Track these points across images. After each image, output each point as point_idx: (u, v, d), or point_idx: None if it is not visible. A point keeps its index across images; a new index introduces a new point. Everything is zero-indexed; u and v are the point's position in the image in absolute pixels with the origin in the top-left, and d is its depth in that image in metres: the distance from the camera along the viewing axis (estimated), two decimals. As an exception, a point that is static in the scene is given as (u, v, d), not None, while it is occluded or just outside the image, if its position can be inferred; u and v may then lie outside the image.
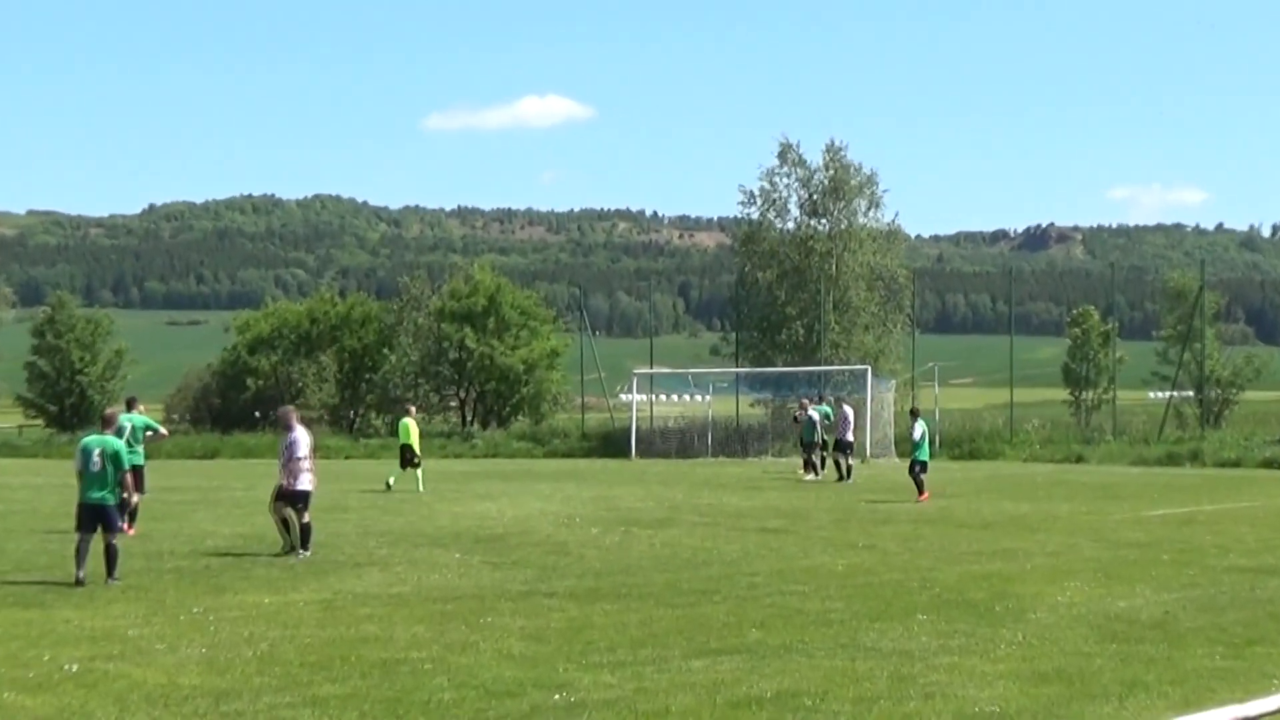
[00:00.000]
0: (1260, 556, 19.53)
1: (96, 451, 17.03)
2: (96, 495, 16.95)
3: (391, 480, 33.70)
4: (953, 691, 10.64)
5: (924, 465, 30.59)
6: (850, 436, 38.49)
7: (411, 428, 34.53)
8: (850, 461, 37.80)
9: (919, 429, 31.26)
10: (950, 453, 49.89)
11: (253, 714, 9.98)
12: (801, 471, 39.08)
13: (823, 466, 38.90)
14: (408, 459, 34.11)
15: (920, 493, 29.78)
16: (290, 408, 21.57)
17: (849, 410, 39.06)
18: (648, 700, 10.35)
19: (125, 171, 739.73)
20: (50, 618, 14.22)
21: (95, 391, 77.07)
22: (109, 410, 19.10)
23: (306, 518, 19.79)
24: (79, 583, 16.43)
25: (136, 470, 24.11)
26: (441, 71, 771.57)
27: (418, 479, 33.32)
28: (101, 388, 76.99)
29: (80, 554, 16.71)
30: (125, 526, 23.53)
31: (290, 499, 19.94)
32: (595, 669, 11.51)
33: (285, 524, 19.94)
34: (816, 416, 39.24)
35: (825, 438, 39.31)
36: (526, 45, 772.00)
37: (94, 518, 16.91)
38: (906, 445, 49.40)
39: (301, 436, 20.24)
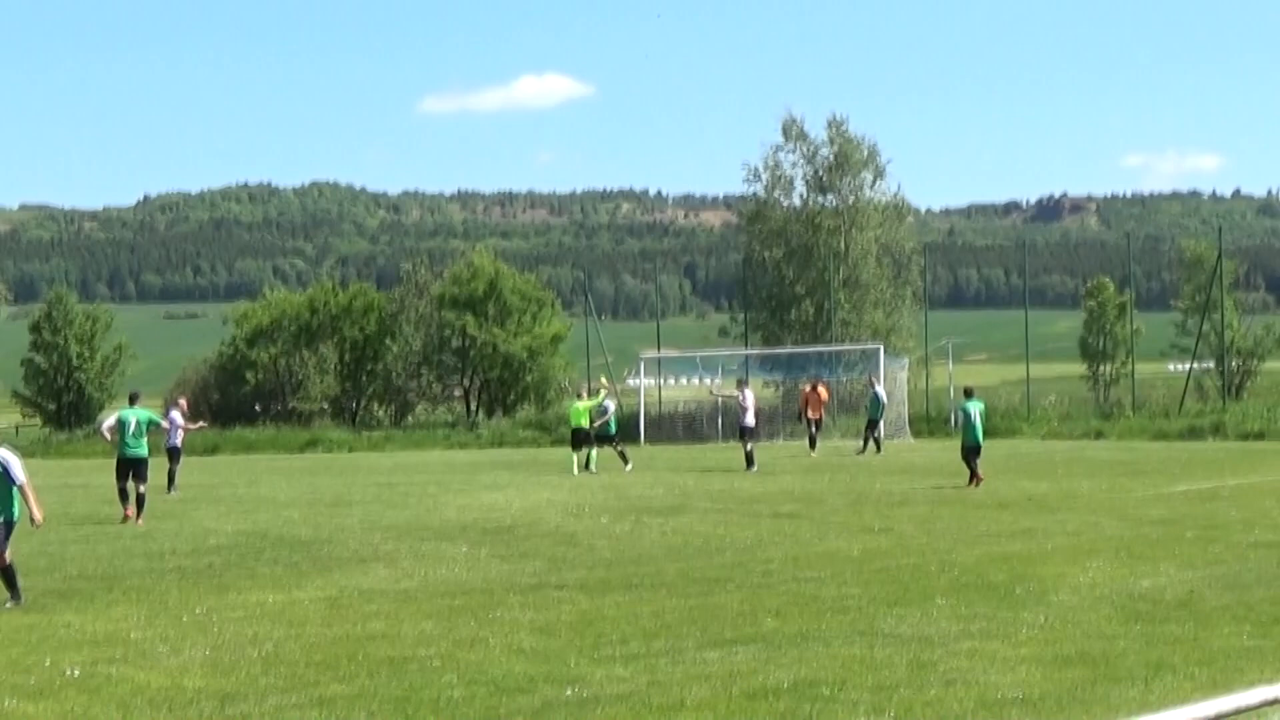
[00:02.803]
0: (1285, 531, 19.31)
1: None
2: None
3: (576, 465, 35.14)
4: (974, 677, 10.49)
5: (974, 450, 28.64)
6: (749, 421, 36.99)
7: (581, 408, 36.81)
8: (750, 448, 35.84)
9: (959, 413, 29.23)
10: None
11: (259, 715, 9.85)
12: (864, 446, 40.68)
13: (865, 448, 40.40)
14: (580, 440, 35.97)
15: (971, 478, 28.10)
16: None
17: (749, 393, 38.39)
18: (662, 693, 10.18)
19: (118, 162, 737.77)
20: (51, 621, 14.03)
21: (94, 388, 77.04)
22: None
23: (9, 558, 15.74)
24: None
25: (139, 462, 24.60)
26: (435, 52, 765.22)
27: (592, 457, 35.28)
28: (100, 384, 76.94)
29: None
30: (132, 515, 23.99)
31: None
32: (607, 662, 11.34)
33: None
34: (883, 394, 41.31)
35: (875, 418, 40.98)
36: (521, 23, 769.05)
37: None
38: (921, 425, 49.75)
39: (13, 456, 15.63)
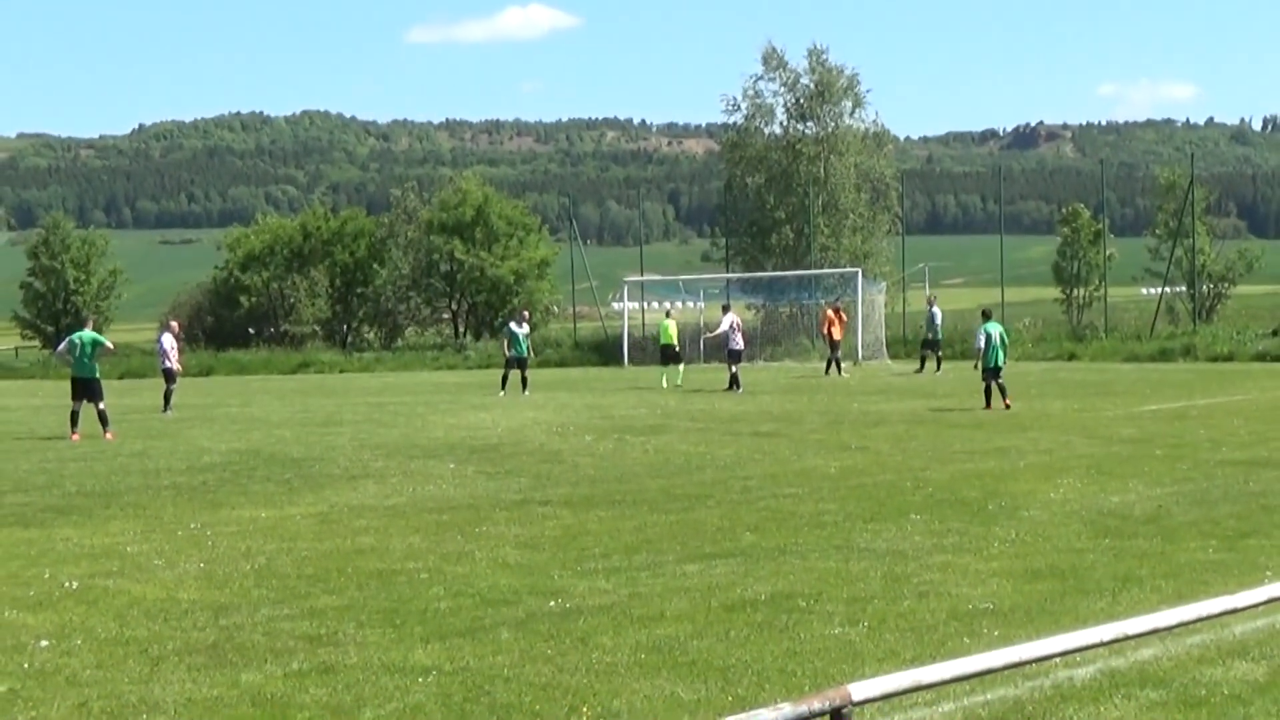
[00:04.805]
0: (1253, 449, 19.59)
1: None
2: None
3: (665, 380, 37.20)
4: (946, 590, 10.67)
5: (994, 371, 28.01)
6: (739, 345, 36.95)
7: (671, 328, 38.81)
8: (736, 369, 35.86)
9: (981, 335, 28.43)
10: (943, 353, 49.75)
11: (251, 626, 10.00)
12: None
13: (922, 366, 41.45)
14: (669, 357, 38.18)
15: (987, 402, 27.63)
16: None
17: (735, 317, 38.41)
18: (642, 605, 10.38)
19: (114, 92, 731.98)
20: (49, 536, 14.25)
21: (91, 311, 77.60)
22: None
23: None
24: None
25: (91, 382, 25.96)
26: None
27: (678, 373, 37.79)
28: (96, 307, 77.64)
29: None
30: (79, 438, 24.68)
31: None
32: (590, 575, 11.55)
33: None
34: (939, 314, 42.20)
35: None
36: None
37: None
38: (899, 348, 49.96)
39: None
